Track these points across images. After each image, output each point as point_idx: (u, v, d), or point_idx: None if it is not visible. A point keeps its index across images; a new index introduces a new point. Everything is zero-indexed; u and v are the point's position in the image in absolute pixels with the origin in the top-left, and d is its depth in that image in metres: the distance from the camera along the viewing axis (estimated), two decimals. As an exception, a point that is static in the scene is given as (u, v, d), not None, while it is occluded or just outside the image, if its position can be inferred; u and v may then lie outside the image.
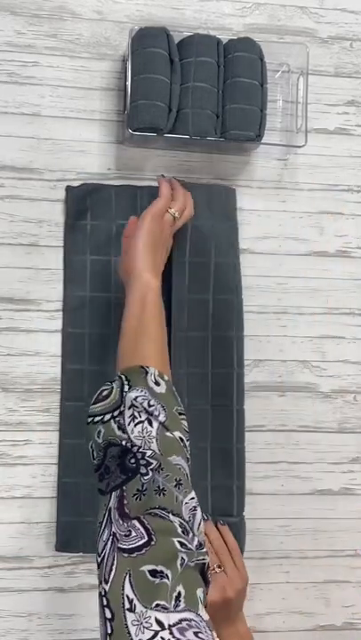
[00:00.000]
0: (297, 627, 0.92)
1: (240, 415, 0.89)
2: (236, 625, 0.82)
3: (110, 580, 0.54)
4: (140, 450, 0.61)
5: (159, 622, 0.50)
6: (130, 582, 0.53)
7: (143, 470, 0.60)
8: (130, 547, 0.55)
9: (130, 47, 0.85)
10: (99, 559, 0.57)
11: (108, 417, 0.65)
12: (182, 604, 0.52)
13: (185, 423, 0.67)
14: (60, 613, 0.88)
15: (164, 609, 0.51)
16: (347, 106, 0.96)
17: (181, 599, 0.53)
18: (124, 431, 0.63)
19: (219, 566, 0.83)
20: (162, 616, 0.51)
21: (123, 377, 0.67)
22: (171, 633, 0.49)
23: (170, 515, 0.58)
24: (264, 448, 0.92)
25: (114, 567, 0.55)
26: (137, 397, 0.64)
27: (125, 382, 0.66)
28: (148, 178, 0.92)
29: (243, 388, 0.90)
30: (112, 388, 0.67)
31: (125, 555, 0.55)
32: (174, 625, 0.50)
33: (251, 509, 0.91)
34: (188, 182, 0.90)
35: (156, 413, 0.64)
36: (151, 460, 0.61)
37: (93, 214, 0.89)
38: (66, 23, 0.91)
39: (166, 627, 0.50)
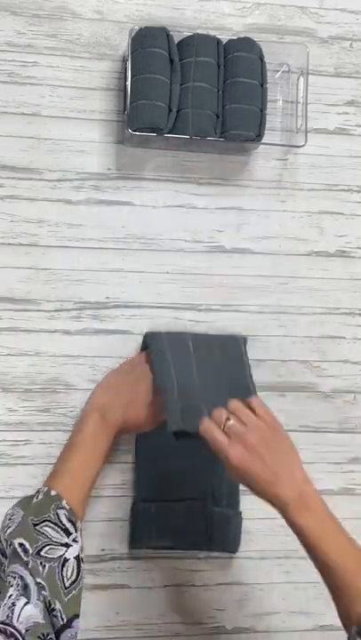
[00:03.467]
0: (297, 627, 0.92)
1: None
2: (290, 481, 0.71)
3: None
4: None
5: None
6: None
7: None
8: None
9: (130, 47, 0.85)
10: None
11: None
12: None
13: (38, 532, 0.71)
14: (60, 613, 0.88)
15: None
16: (347, 106, 0.96)
17: None
18: None
19: (228, 418, 0.73)
20: None
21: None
22: None
23: None
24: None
25: None
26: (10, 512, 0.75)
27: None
28: (148, 178, 0.92)
29: None
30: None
31: None
32: None
33: (251, 509, 0.91)
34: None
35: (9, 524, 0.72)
36: None
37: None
38: (66, 23, 0.91)
39: None
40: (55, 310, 0.89)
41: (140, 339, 0.91)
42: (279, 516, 0.92)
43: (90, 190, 0.91)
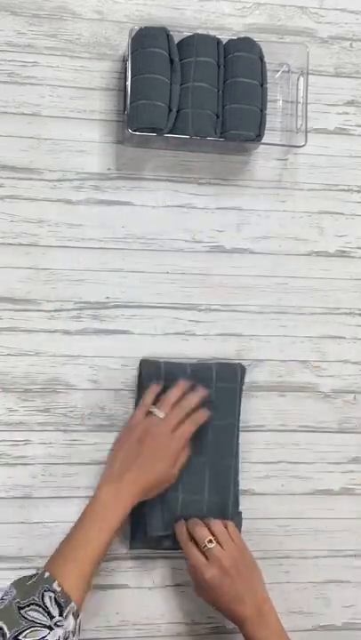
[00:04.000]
0: (297, 627, 0.92)
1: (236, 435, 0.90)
2: (251, 599, 0.80)
3: None
4: None
5: None
6: None
7: None
8: None
9: (130, 47, 0.85)
10: None
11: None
12: None
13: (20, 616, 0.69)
14: (60, 613, 0.88)
15: None
16: (347, 106, 0.96)
17: None
18: None
19: (210, 540, 0.81)
20: None
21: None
22: None
23: None
24: (264, 448, 0.92)
25: None
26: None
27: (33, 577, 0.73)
28: (148, 178, 0.92)
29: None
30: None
31: None
32: None
33: (251, 509, 0.91)
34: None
35: None
36: None
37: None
38: (66, 23, 0.91)
39: None
40: (55, 310, 0.89)
41: (140, 339, 0.91)
42: (279, 516, 0.93)
43: (90, 190, 0.91)
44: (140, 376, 0.90)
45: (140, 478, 0.80)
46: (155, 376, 0.88)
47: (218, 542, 0.81)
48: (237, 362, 0.92)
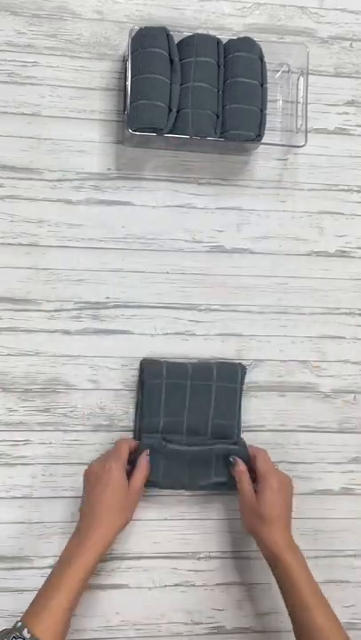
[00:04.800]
0: (297, 627, 0.92)
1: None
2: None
3: None
4: None
5: None
6: None
7: None
8: None
9: (130, 47, 0.85)
10: None
11: None
12: None
13: None
14: (60, 613, 0.88)
15: None
16: (347, 106, 0.96)
17: None
18: None
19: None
20: None
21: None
22: None
23: None
24: (264, 448, 0.92)
25: None
26: None
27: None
28: (148, 178, 0.92)
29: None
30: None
31: None
32: None
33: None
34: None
35: None
36: None
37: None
38: (66, 23, 0.91)
39: None
40: (55, 310, 0.89)
41: (140, 339, 0.91)
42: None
43: (90, 190, 0.91)
44: (141, 375, 0.90)
45: (100, 531, 0.80)
46: (157, 375, 0.88)
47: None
48: (238, 362, 0.92)
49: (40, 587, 0.77)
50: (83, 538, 0.79)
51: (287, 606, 0.81)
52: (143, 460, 0.85)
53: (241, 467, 0.86)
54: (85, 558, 0.77)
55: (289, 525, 0.84)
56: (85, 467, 0.87)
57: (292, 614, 0.80)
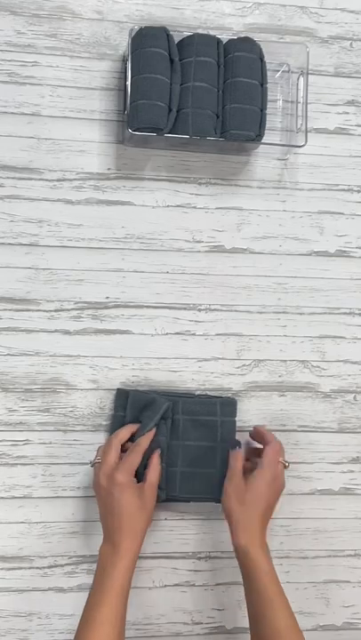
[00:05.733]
0: (297, 627, 0.92)
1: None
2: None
3: None
4: None
5: None
6: None
7: None
8: None
9: (130, 47, 0.85)
10: None
11: None
12: None
13: None
14: (60, 613, 0.88)
15: None
16: (347, 106, 0.96)
17: None
18: None
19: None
20: None
21: None
22: None
23: None
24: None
25: None
26: None
27: None
28: (148, 178, 0.92)
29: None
30: None
31: None
32: None
33: (251, 509, 0.91)
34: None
35: None
36: None
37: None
38: (66, 23, 0.91)
39: None
40: (55, 310, 0.89)
41: (140, 339, 0.91)
42: (279, 516, 0.93)
43: (90, 190, 0.91)
44: (117, 406, 0.90)
45: (128, 537, 0.80)
46: (137, 408, 0.88)
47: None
48: (230, 396, 0.91)
49: (84, 603, 0.77)
50: (116, 548, 0.79)
51: (248, 601, 0.80)
52: (155, 459, 0.84)
53: (240, 453, 0.86)
54: (123, 563, 0.78)
55: (265, 523, 0.83)
56: (85, 467, 0.87)
57: (252, 609, 0.80)
